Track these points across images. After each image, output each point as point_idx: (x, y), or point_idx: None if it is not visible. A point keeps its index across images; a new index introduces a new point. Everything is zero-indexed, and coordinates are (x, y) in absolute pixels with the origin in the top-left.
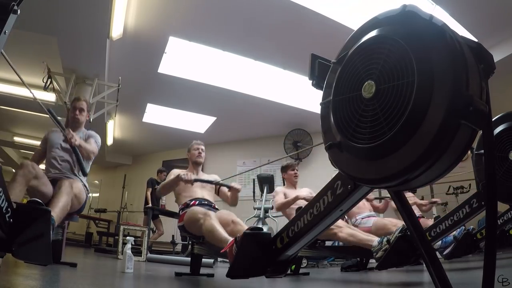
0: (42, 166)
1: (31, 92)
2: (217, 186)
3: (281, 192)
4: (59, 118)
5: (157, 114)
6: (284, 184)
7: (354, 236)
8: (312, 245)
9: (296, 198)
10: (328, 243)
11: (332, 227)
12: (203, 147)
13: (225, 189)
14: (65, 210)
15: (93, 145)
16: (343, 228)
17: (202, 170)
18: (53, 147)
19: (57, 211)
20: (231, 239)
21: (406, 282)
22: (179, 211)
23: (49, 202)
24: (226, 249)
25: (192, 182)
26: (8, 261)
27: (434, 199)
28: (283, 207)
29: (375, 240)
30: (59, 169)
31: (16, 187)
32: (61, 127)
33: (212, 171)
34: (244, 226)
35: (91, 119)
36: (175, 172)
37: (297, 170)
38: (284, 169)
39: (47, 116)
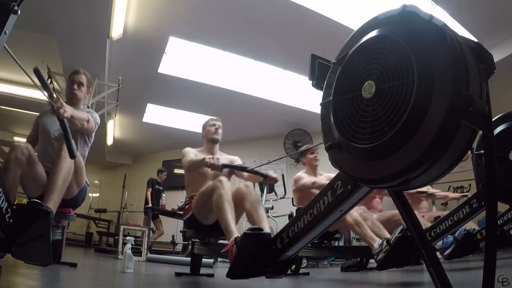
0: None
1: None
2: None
3: (306, 176)
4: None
5: (157, 114)
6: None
7: (361, 226)
8: (317, 246)
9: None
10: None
11: None
12: (220, 124)
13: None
14: (65, 183)
15: (90, 119)
16: (352, 213)
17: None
18: (47, 136)
19: (54, 195)
20: (236, 233)
21: (406, 282)
22: (184, 206)
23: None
24: (226, 249)
25: (220, 168)
26: (8, 261)
27: (464, 194)
28: (319, 188)
29: (377, 241)
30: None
31: (10, 176)
32: (48, 92)
33: None
34: (253, 192)
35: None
36: (190, 151)
37: (317, 153)
38: (303, 153)
39: None
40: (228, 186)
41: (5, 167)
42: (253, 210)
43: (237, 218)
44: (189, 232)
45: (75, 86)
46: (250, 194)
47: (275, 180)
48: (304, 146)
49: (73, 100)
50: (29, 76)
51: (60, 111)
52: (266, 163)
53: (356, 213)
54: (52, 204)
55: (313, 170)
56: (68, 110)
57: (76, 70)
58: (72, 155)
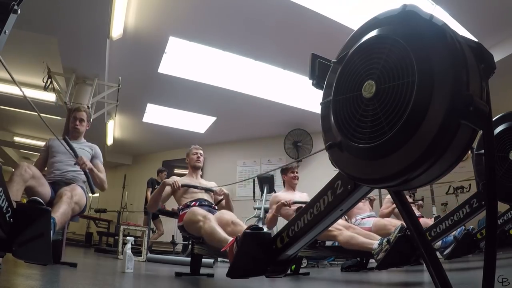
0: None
1: (34, 107)
2: (216, 197)
3: (273, 203)
4: (58, 118)
5: (157, 114)
6: (283, 187)
7: (354, 239)
8: (312, 245)
9: (279, 206)
10: (328, 243)
11: (332, 229)
12: (201, 152)
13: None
14: (66, 217)
15: (103, 172)
16: (343, 231)
17: (202, 171)
18: (54, 152)
19: (58, 216)
20: (231, 238)
21: (406, 282)
22: (179, 211)
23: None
24: (226, 248)
25: (179, 187)
26: (8, 261)
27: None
28: (270, 224)
29: (375, 243)
30: (60, 173)
31: (13, 187)
32: (74, 153)
33: (212, 171)
34: (244, 227)
35: (91, 119)
36: (171, 179)
37: (297, 173)
38: (283, 171)
39: (47, 116)
40: (215, 218)
41: (10, 179)
42: None
43: None
44: (183, 233)
45: (77, 122)
46: (239, 225)
47: (220, 194)
48: (285, 163)
49: (75, 134)
50: (68, 151)
51: (83, 166)
52: (275, 169)
53: (346, 231)
54: (58, 224)
55: (291, 189)
56: (89, 164)
57: (77, 107)
58: (93, 192)
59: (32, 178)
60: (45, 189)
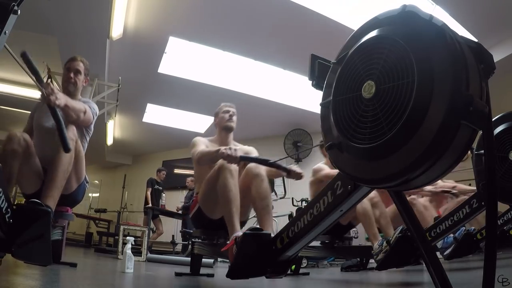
0: None
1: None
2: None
3: (327, 168)
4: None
5: (157, 114)
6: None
7: (368, 218)
8: (329, 246)
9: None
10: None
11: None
12: (234, 110)
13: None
14: (65, 177)
15: (87, 110)
16: (363, 202)
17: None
18: (42, 130)
19: (53, 192)
20: (238, 231)
21: (406, 282)
22: (191, 201)
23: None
24: (226, 248)
25: (238, 160)
26: (8, 261)
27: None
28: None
29: (378, 240)
30: (48, 159)
31: (5, 171)
32: (37, 77)
33: None
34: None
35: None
36: (200, 141)
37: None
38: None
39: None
40: (235, 173)
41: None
42: (259, 206)
43: (247, 209)
44: (196, 232)
45: (72, 74)
46: (260, 185)
47: (299, 176)
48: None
49: (69, 90)
50: (29, 75)
51: (51, 98)
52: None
53: (367, 203)
54: (51, 201)
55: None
56: (61, 98)
57: (72, 57)
58: (66, 149)
59: (25, 155)
60: (38, 172)
